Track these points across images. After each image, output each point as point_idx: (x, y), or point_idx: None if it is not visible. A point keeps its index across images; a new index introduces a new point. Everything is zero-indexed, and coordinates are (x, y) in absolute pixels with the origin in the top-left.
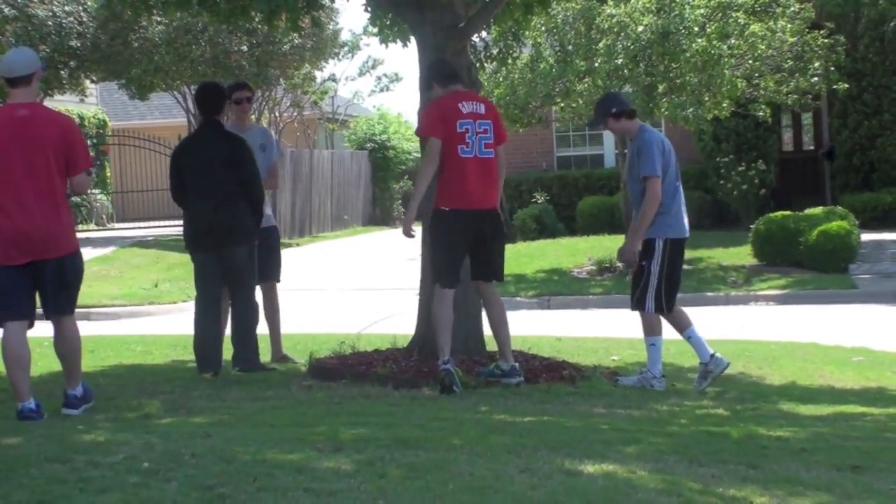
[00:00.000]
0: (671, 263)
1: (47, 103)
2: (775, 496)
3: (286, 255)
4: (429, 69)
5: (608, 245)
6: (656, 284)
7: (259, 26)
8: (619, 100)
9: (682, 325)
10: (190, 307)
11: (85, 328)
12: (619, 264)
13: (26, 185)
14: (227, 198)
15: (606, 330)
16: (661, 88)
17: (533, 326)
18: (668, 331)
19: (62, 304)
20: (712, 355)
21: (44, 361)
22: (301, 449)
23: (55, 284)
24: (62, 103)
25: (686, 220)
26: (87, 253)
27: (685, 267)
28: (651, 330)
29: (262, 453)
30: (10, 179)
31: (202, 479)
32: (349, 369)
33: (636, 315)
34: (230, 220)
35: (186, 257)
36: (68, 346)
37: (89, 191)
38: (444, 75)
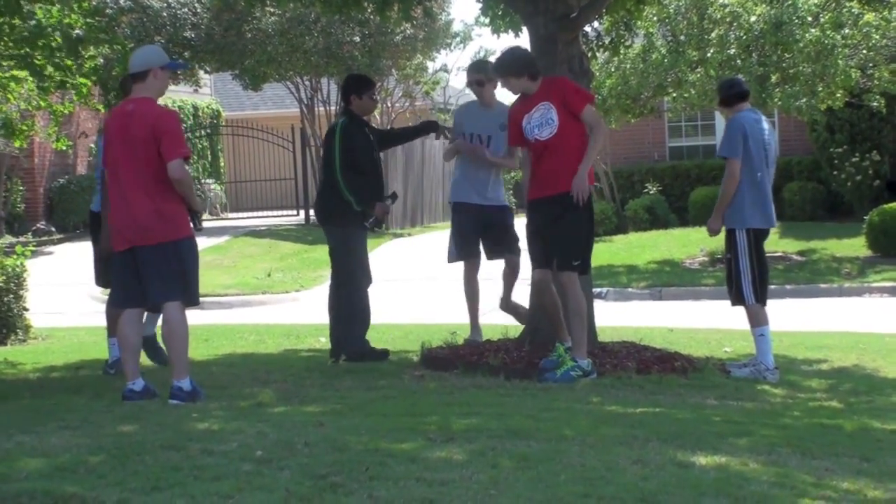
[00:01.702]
0: (757, 253)
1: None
2: (890, 490)
3: (397, 244)
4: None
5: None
6: (750, 275)
7: (371, 17)
8: (728, 86)
9: (763, 321)
10: (302, 296)
11: (198, 317)
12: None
13: (126, 175)
14: (323, 182)
15: (719, 321)
16: (773, 78)
17: (644, 317)
18: (779, 323)
19: (158, 291)
20: (776, 367)
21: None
22: (413, 438)
23: (151, 271)
24: (177, 94)
25: (771, 211)
26: (201, 242)
27: (798, 258)
28: (758, 320)
29: (375, 442)
30: (116, 171)
31: (315, 468)
32: (461, 359)
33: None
34: (318, 203)
35: (299, 247)
36: (168, 334)
37: (205, 180)
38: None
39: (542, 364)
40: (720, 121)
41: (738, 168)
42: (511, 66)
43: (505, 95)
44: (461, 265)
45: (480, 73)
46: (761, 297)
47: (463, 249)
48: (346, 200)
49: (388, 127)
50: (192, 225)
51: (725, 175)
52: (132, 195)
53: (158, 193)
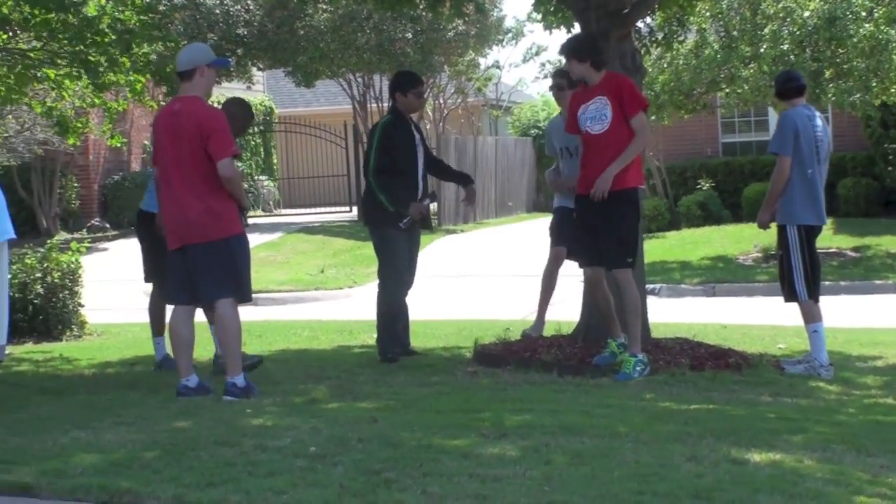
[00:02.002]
0: (808, 249)
1: (215, 91)
2: None
3: (449, 240)
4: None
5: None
6: (802, 271)
7: (423, 13)
8: (784, 79)
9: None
10: (355, 292)
11: (252, 313)
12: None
13: (175, 175)
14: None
15: (772, 318)
16: (827, 74)
17: (698, 314)
18: (833, 320)
19: (210, 289)
20: (831, 364)
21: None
22: (466, 435)
23: (202, 269)
24: (230, 91)
25: (821, 208)
26: (254, 239)
27: (852, 255)
28: (811, 317)
29: (428, 439)
30: (165, 170)
31: (369, 464)
32: (514, 356)
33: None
34: (360, 202)
35: (352, 243)
36: (220, 331)
37: (258, 177)
38: (604, 62)
39: (596, 360)
40: (773, 116)
41: (787, 164)
42: (576, 48)
43: None
44: (514, 263)
45: (563, 78)
46: (814, 294)
47: (558, 239)
48: (378, 201)
49: (441, 124)
50: (242, 220)
51: (775, 171)
52: (182, 194)
53: (208, 192)
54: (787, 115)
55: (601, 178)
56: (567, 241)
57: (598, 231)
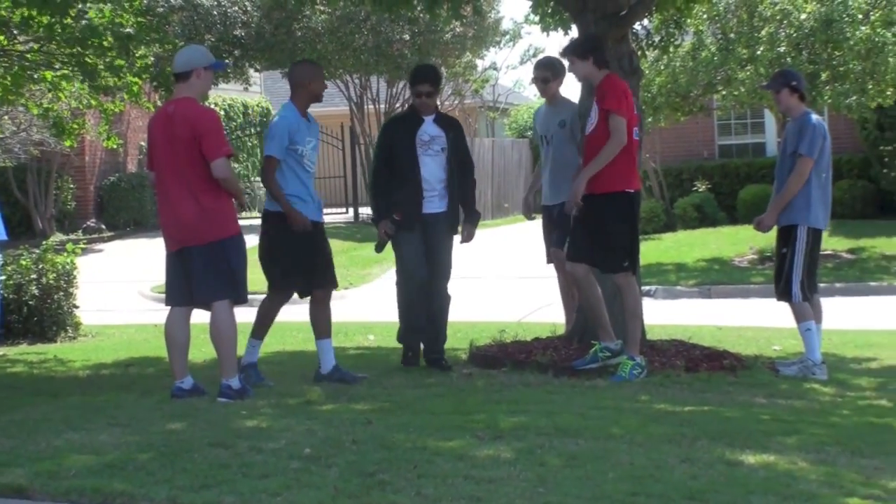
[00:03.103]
0: (812, 252)
1: (212, 92)
2: None
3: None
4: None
5: (771, 234)
6: (801, 272)
7: (421, 15)
8: (798, 77)
9: (808, 316)
10: (351, 294)
11: (248, 314)
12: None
13: (170, 177)
14: None
15: (768, 319)
16: (823, 76)
17: (693, 315)
18: (828, 321)
19: (206, 290)
20: (823, 362)
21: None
22: (461, 436)
23: (198, 270)
24: (227, 92)
25: (828, 215)
26: (250, 240)
27: (848, 256)
28: (803, 315)
29: (423, 440)
30: (160, 173)
31: (363, 466)
32: (509, 357)
33: None
34: None
35: (348, 245)
36: (214, 334)
37: (255, 178)
38: (605, 61)
39: (574, 364)
40: (770, 119)
41: (810, 167)
42: (577, 46)
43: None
44: (510, 265)
45: (546, 71)
46: (808, 294)
47: (549, 239)
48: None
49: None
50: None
51: (795, 173)
52: (176, 197)
53: (202, 193)
54: (814, 118)
55: (574, 183)
56: (555, 240)
57: (589, 232)
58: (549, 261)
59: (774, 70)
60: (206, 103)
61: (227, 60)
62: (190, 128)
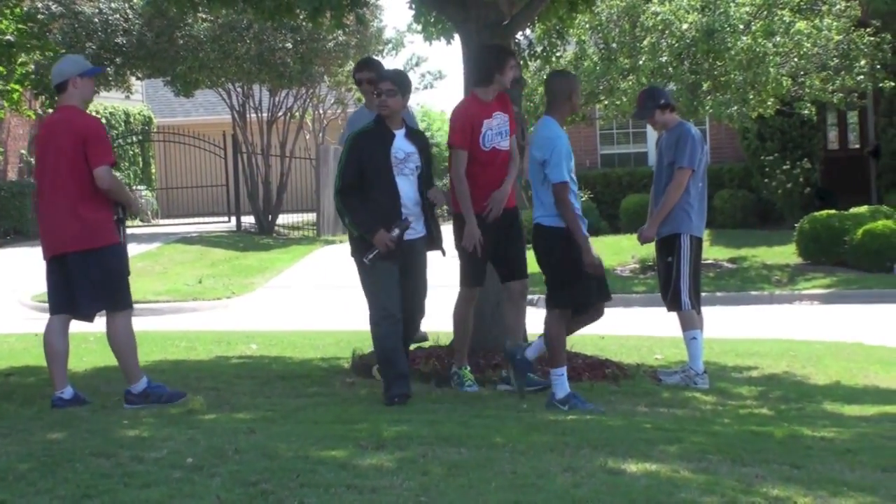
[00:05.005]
0: (696, 260)
1: (94, 100)
2: (819, 497)
3: (329, 251)
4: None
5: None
6: (688, 280)
7: (303, 24)
8: (664, 93)
9: (695, 325)
10: (233, 303)
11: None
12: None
13: (50, 185)
14: None
15: (650, 328)
16: (705, 86)
17: None
18: (709, 330)
19: (85, 299)
20: (705, 371)
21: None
22: (344, 446)
23: (77, 279)
24: (108, 100)
25: (704, 223)
26: (132, 249)
27: (729, 266)
28: (691, 324)
29: (305, 450)
30: (42, 180)
31: (245, 475)
32: None
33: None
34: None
35: (231, 254)
36: (111, 342)
37: (136, 187)
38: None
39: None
40: (651, 129)
41: (688, 179)
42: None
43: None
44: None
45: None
46: (696, 303)
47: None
48: (345, 224)
49: (321, 134)
50: (120, 230)
51: (673, 184)
52: (56, 204)
53: (82, 201)
54: (690, 131)
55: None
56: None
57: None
58: None
59: (657, 80)
60: (88, 111)
61: (108, 68)
62: (74, 136)
